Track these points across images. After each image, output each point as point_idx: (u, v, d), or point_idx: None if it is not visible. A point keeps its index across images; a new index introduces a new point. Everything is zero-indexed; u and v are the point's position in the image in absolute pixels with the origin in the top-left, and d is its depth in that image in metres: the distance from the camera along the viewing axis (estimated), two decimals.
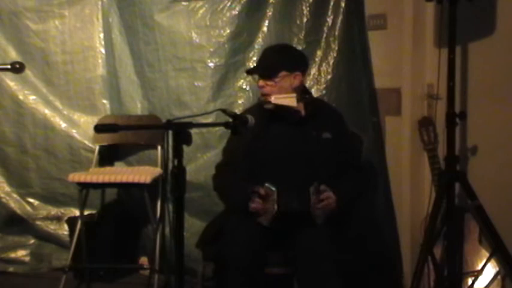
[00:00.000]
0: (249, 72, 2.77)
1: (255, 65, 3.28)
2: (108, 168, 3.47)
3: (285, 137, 2.57)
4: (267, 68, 2.59)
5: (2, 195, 3.73)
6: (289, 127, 2.58)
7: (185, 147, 1.87)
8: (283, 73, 2.54)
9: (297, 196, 2.41)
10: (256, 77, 2.61)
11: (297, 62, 2.63)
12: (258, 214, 2.43)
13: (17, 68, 2.15)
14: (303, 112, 2.60)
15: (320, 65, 3.22)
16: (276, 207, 2.39)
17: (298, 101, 2.54)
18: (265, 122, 2.54)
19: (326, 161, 2.55)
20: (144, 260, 3.54)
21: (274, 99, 2.52)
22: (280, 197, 2.39)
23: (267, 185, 2.42)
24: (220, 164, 2.72)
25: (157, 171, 3.28)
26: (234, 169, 2.58)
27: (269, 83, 2.54)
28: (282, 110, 2.54)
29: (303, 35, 3.19)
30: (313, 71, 3.21)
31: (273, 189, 2.40)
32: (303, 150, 2.54)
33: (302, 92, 2.62)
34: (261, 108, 2.59)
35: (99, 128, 2.02)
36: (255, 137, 2.50)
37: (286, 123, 2.58)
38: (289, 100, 2.52)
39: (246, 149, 2.53)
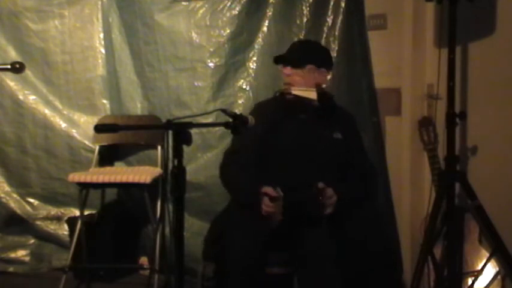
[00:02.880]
0: (277, 59, 2.68)
1: (255, 65, 3.29)
2: (108, 168, 3.47)
3: (296, 134, 2.57)
4: (297, 57, 2.61)
5: (2, 195, 3.73)
6: (302, 123, 2.59)
7: (185, 147, 1.87)
8: (310, 66, 2.58)
9: (307, 203, 2.38)
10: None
11: (325, 58, 2.68)
12: (266, 217, 2.39)
13: (17, 68, 2.14)
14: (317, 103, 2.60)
15: None
16: (280, 216, 2.34)
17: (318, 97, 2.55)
18: (280, 115, 2.56)
19: (332, 161, 2.55)
20: (144, 260, 3.54)
21: (295, 90, 2.55)
22: (288, 206, 2.34)
23: (277, 189, 2.37)
24: (229, 151, 2.69)
25: (157, 171, 3.28)
26: (242, 159, 2.57)
27: (297, 71, 2.57)
28: (301, 102, 2.56)
29: (303, 35, 3.19)
30: None
31: (281, 194, 2.35)
32: (312, 148, 2.54)
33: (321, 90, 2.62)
34: (277, 101, 2.60)
35: (99, 128, 2.01)
36: (268, 131, 2.51)
37: (299, 119, 2.59)
38: (310, 93, 2.55)
39: (257, 142, 2.53)
